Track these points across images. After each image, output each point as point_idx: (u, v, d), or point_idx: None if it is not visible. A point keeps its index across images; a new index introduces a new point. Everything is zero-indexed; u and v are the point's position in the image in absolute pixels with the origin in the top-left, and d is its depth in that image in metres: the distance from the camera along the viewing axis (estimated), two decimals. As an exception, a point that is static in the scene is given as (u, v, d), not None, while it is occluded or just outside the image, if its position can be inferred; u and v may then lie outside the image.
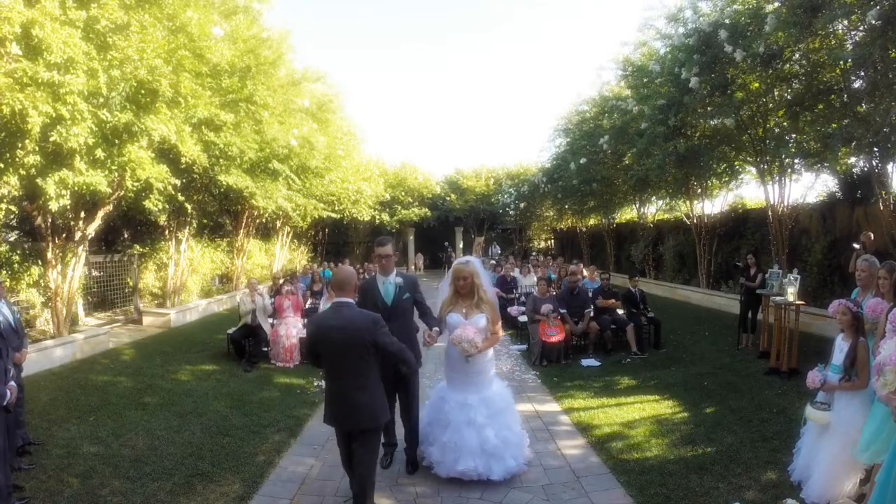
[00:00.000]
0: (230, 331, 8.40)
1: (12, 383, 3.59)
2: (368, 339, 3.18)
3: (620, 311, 8.98)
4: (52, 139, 6.05)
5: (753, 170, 11.84)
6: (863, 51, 6.64)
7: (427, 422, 4.39)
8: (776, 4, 8.21)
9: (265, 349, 8.16)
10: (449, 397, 4.20)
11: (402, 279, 4.30)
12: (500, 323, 4.32)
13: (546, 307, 8.01)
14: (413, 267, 27.10)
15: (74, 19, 6.09)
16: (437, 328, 4.11)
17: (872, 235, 7.60)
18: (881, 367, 2.86)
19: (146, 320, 11.38)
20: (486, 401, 4.12)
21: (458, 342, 3.96)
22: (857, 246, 7.05)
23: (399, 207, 25.29)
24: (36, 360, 6.96)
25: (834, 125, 8.25)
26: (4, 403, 3.42)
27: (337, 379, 3.31)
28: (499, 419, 4.13)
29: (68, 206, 7.46)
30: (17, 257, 8.73)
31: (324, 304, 8.63)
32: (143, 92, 6.79)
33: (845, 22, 7.32)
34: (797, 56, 8.68)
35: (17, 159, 6.20)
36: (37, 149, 6.28)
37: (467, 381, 4.16)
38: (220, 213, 15.32)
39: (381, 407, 3.39)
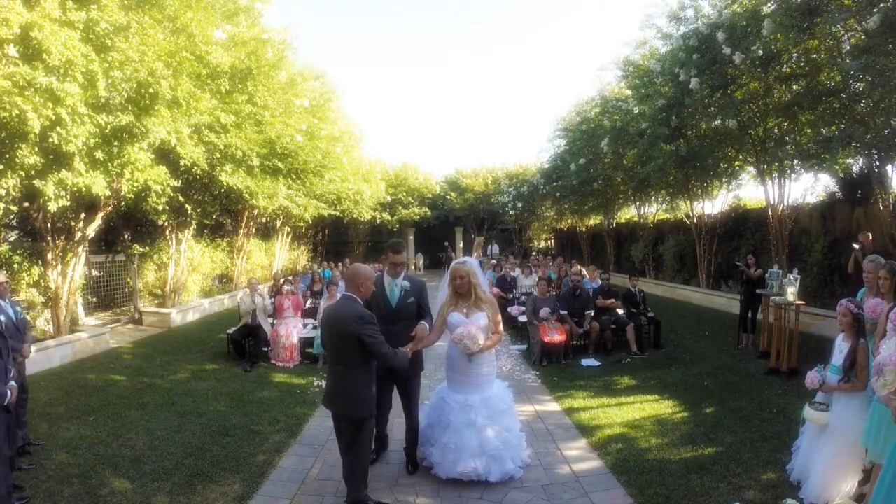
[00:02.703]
0: (230, 331, 8.40)
1: (12, 383, 3.59)
2: (352, 332, 3.42)
3: (620, 311, 8.98)
4: (51, 140, 6.05)
5: (753, 170, 11.86)
6: (866, 60, 6.64)
7: (427, 423, 4.37)
8: (772, 7, 8.20)
9: (265, 349, 8.16)
10: (449, 398, 4.17)
11: (410, 283, 4.28)
12: (501, 323, 4.31)
13: (545, 311, 7.99)
14: (413, 267, 27.09)
15: (74, 20, 6.08)
16: (424, 322, 4.15)
17: (871, 236, 7.60)
18: (881, 368, 2.85)
19: (146, 320, 11.38)
20: (486, 401, 4.10)
21: (460, 340, 3.94)
22: (856, 246, 7.05)
23: (399, 207, 25.29)
24: (36, 360, 6.95)
25: (833, 127, 8.25)
26: (5, 403, 3.42)
27: (330, 364, 3.71)
28: (499, 420, 4.12)
29: (68, 207, 7.46)
30: (17, 257, 8.74)
31: (324, 304, 8.63)
32: (143, 94, 6.78)
33: (843, 24, 7.32)
34: (795, 57, 8.68)
35: (17, 160, 6.20)
36: (36, 149, 6.28)
37: (468, 382, 4.14)
38: (220, 213, 15.32)
39: (360, 399, 3.54)
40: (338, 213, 19.22)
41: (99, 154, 6.72)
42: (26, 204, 7.92)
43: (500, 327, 4.28)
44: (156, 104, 6.86)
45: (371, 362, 3.59)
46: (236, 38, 9.05)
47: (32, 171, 6.39)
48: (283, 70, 10.86)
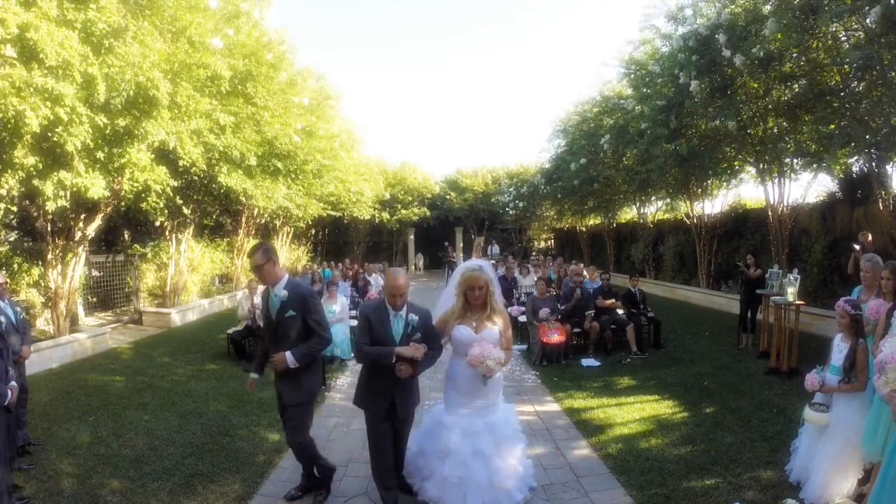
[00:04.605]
0: (230, 331, 8.40)
1: (13, 383, 3.59)
2: None
3: (620, 311, 8.98)
4: (52, 139, 6.04)
5: (753, 170, 11.86)
6: (868, 51, 6.62)
7: (419, 450, 3.77)
8: (770, 6, 8.19)
9: (265, 349, 8.15)
10: (450, 423, 3.59)
11: (290, 293, 3.56)
12: (511, 338, 3.83)
13: (544, 311, 8.00)
14: (413, 267, 27.08)
15: (72, 20, 6.06)
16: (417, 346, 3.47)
17: (871, 236, 7.59)
18: (883, 366, 2.84)
19: (146, 320, 11.39)
20: (492, 427, 3.57)
21: (482, 362, 3.34)
22: (857, 247, 7.04)
23: (399, 207, 25.29)
24: (36, 360, 6.96)
25: (832, 126, 8.25)
26: (5, 403, 3.42)
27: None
28: (507, 448, 3.61)
29: (67, 207, 7.45)
30: (17, 258, 8.73)
31: (324, 304, 8.61)
32: (141, 98, 6.75)
33: (843, 20, 7.31)
34: (795, 56, 8.68)
35: (16, 161, 6.20)
36: (35, 150, 6.26)
37: (474, 405, 3.59)
38: (219, 214, 15.34)
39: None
40: (337, 214, 19.22)
41: (99, 154, 6.71)
42: (26, 202, 7.91)
43: (511, 343, 3.79)
44: (154, 109, 6.82)
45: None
46: (236, 44, 9.00)
47: (32, 171, 6.38)
48: (283, 71, 10.84)
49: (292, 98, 11.31)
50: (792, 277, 6.88)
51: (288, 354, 3.47)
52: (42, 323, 9.02)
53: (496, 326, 3.56)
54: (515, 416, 3.85)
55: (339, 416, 5.63)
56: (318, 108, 13.95)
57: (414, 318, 3.54)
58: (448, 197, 26.78)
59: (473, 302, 3.58)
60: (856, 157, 9.37)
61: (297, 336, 3.55)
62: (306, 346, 3.53)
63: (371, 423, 3.64)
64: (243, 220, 15.27)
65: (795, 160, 9.84)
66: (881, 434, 3.22)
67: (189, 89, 7.32)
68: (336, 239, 26.82)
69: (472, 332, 3.54)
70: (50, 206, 6.68)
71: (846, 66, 7.37)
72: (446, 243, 25.59)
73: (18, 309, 4.99)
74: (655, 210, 18.94)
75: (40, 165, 6.36)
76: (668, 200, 17.09)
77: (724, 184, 13.88)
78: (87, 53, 6.11)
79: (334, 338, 7.91)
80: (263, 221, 16.65)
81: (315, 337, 3.56)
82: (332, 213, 18.26)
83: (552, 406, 6.04)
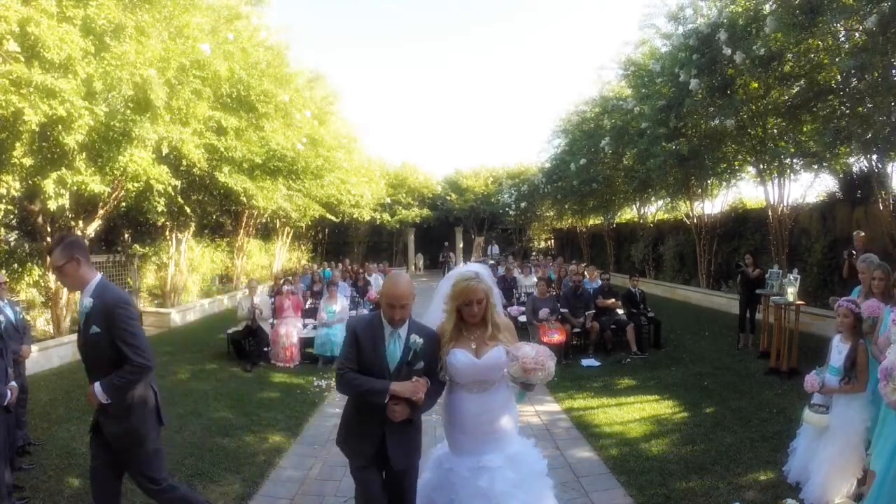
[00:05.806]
0: (230, 331, 8.40)
1: (13, 383, 3.59)
2: None
3: (620, 311, 8.98)
4: (52, 138, 6.04)
5: (753, 170, 11.87)
6: (863, 59, 6.66)
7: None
8: (770, 6, 8.20)
9: (266, 349, 8.16)
10: (457, 465, 2.81)
11: (95, 301, 2.74)
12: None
13: (544, 311, 7.99)
14: (413, 267, 27.07)
15: (72, 17, 6.05)
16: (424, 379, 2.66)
17: (862, 234, 7.57)
18: (889, 372, 2.81)
19: (146, 320, 11.36)
20: (513, 460, 2.79)
21: (542, 364, 2.57)
22: (854, 252, 7.01)
23: (399, 207, 25.28)
24: (36, 360, 6.96)
25: (832, 124, 8.26)
26: (4, 403, 3.42)
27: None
28: (534, 487, 2.81)
29: (67, 206, 7.45)
30: (17, 257, 8.73)
31: (324, 304, 8.64)
32: (140, 98, 6.73)
33: (843, 21, 7.33)
34: (796, 56, 8.68)
35: (16, 160, 6.20)
36: (33, 148, 6.26)
37: (485, 440, 2.81)
38: (220, 214, 15.33)
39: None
40: (336, 220, 19.11)
41: (100, 151, 6.71)
42: (27, 202, 7.91)
43: None
44: (149, 111, 6.80)
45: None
46: (236, 49, 8.97)
47: (32, 170, 6.38)
48: (285, 92, 10.81)
49: (295, 113, 11.32)
50: (792, 277, 6.88)
51: (97, 387, 2.67)
52: (42, 323, 9.02)
53: (501, 346, 2.75)
54: (538, 451, 2.97)
55: (339, 417, 5.63)
56: (322, 113, 13.97)
57: (417, 340, 2.69)
58: (448, 197, 26.77)
59: (470, 319, 2.78)
60: (856, 157, 9.37)
61: (108, 361, 2.72)
62: (117, 376, 2.68)
63: (354, 472, 2.80)
64: (243, 220, 15.26)
65: (795, 160, 9.85)
66: (881, 440, 3.22)
67: (187, 92, 7.29)
68: (336, 239, 26.81)
69: (471, 358, 2.73)
70: (52, 205, 6.67)
71: (845, 66, 7.38)
72: (446, 243, 25.57)
73: (18, 309, 4.99)
74: (655, 210, 18.93)
75: (37, 166, 6.35)
76: (668, 200, 17.09)
77: (724, 184, 13.88)
78: (88, 48, 6.09)
79: (334, 338, 7.99)
80: (264, 221, 16.65)
81: (126, 363, 2.69)
82: (331, 217, 18.16)
83: (552, 406, 6.04)
